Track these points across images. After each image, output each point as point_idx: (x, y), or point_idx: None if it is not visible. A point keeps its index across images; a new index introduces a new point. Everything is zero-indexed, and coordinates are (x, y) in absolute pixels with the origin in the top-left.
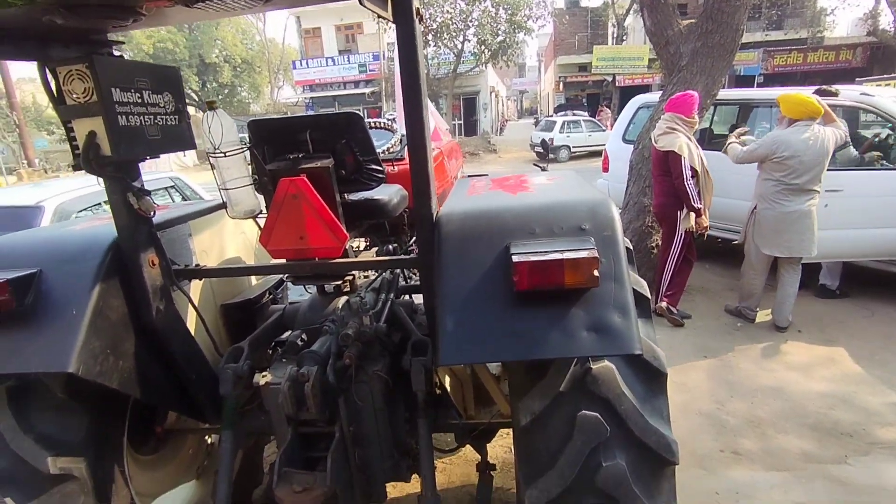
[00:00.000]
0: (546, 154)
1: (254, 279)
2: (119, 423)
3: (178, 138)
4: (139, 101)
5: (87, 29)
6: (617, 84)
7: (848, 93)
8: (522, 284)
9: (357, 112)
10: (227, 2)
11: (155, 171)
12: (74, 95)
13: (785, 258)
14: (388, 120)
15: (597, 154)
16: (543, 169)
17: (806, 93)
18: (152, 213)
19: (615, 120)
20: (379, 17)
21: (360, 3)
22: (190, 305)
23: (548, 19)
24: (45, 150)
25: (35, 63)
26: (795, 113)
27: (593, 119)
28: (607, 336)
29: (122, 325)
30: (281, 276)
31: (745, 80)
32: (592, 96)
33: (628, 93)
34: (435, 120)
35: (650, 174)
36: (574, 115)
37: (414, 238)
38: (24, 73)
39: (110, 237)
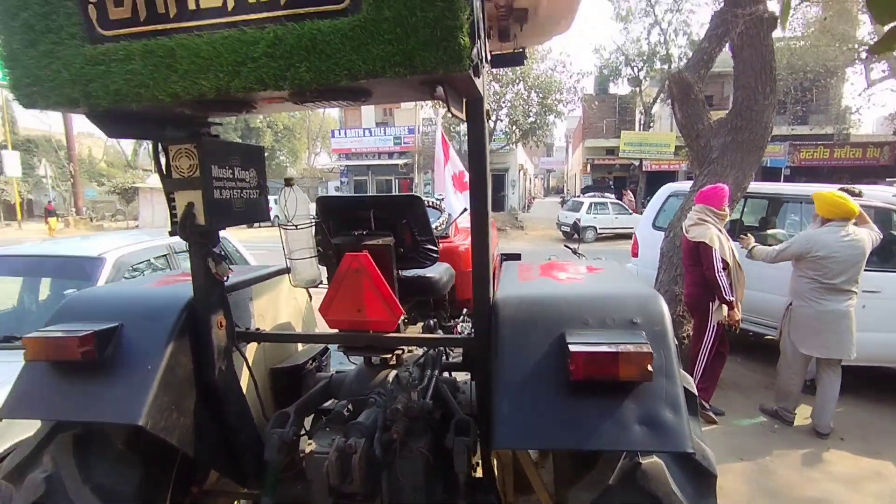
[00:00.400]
0: (576, 235)
1: (300, 345)
2: (165, 480)
3: (258, 210)
4: (231, 176)
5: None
6: (644, 169)
7: (880, 194)
8: (578, 374)
9: (418, 195)
10: (329, 101)
11: None
12: (180, 170)
13: (824, 359)
14: (437, 200)
15: (623, 237)
16: (574, 251)
17: (838, 192)
18: (226, 277)
19: (642, 203)
20: (453, 115)
21: (448, 110)
22: (244, 367)
23: (577, 104)
24: (93, 200)
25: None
26: (830, 213)
27: (620, 202)
28: (659, 432)
29: (188, 382)
30: (327, 344)
31: (771, 173)
32: (619, 179)
33: (654, 178)
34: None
35: (681, 263)
36: (601, 196)
37: (461, 318)
38: (83, 128)
39: (185, 297)
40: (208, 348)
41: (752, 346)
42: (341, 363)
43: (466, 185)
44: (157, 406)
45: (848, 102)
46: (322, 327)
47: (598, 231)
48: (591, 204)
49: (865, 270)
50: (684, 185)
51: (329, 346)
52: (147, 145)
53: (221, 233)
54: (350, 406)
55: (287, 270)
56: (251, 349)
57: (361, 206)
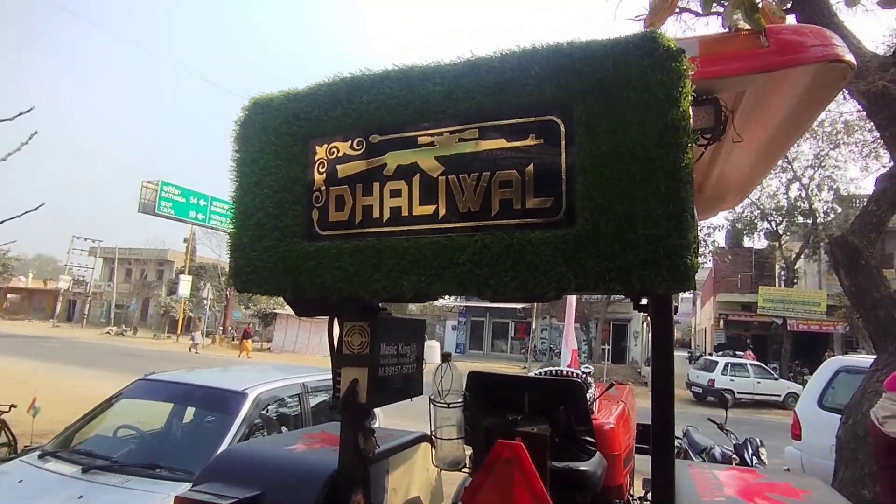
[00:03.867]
0: (725, 405)
1: None
2: None
3: (413, 385)
4: (395, 353)
5: None
6: (788, 328)
7: None
8: None
9: (580, 381)
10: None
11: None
12: (351, 346)
13: None
14: (584, 373)
15: (764, 404)
16: (721, 427)
17: None
18: (372, 453)
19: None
20: (636, 308)
21: (636, 308)
22: None
23: (707, 256)
24: (237, 321)
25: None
26: None
27: (762, 364)
28: None
29: None
30: None
31: None
32: (758, 337)
33: (802, 338)
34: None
35: (868, 459)
36: (737, 356)
37: None
38: None
39: (328, 468)
40: None
41: None
42: None
43: (576, 361)
44: None
45: None
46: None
47: (736, 396)
48: (726, 364)
49: None
50: (858, 360)
51: None
52: None
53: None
54: None
55: (426, 438)
56: None
57: (517, 386)
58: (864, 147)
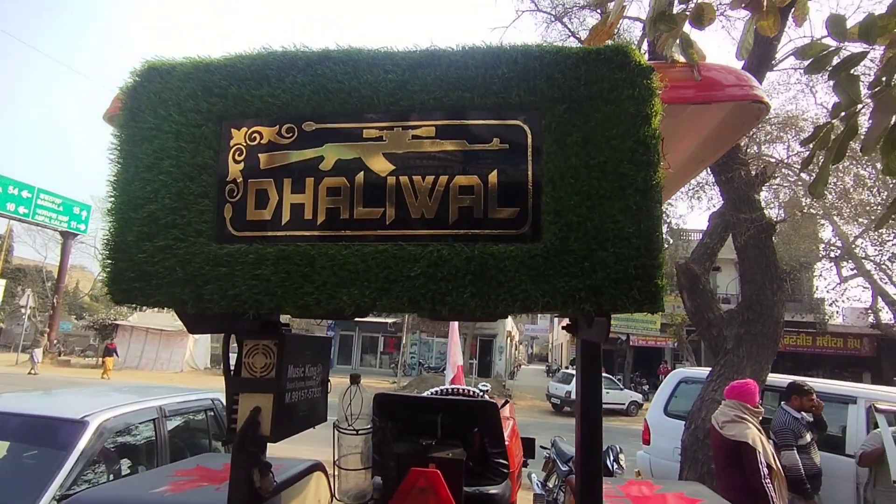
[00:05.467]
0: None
1: None
2: None
3: (318, 411)
4: (301, 375)
5: None
6: (631, 343)
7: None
8: None
9: (493, 402)
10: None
11: (194, 391)
12: (252, 369)
13: None
14: (482, 390)
15: (611, 412)
16: None
17: None
18: (268, 493)
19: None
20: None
21: (566, 328)
22: None
23: None
24: (66, 333)
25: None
26: None
27: (611, 376)
28: None
29: None
30: None
31: None
32: (606, 352)
33: (641, 353)
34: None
35: (708, 459)
36: None
37: None
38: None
39: None
40: None
41: None
42: None
43: (462, 377)
44: None
45: (822, 294)
46: None
47: None
48: None
49: None
50: (696, 372)
51: None
52: None
53: (216, 393)
54: None
55: (319, 466)
56: None
57: (429, 409)
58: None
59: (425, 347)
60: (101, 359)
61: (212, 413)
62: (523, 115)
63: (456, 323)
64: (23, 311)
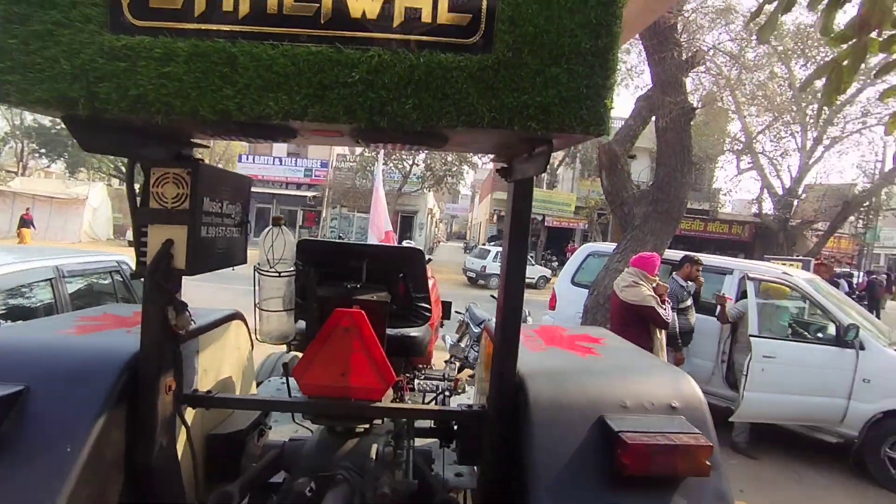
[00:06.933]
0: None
1: None
2: None
3: (237, 251)
4: (219, 211)
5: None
6: (546, 224)
7: (772, 270)
8: (632, 468)
9: (420, 248)
10: (401, 144)
11: (96, 252)
12: (163, 199)
13: None
14: (406, 244)
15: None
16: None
17: None
18: (185, 331)
19: (542, 256)
20: (508, 180)
21: (507, 178)
22: (183, 439)
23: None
24: None
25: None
26: None
27: None
28: None
29: (116, 465)
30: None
31: None
32: None
33: (554, 233)
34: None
35: (606, 319)
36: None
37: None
38: None
39: (126, 353)
40: (150, 419)
41: None
42: (296, 431)
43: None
44: (74, 502)
45: (719, 185)
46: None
47: None
48: (496, 253)
49: (765, 338)
50: (603, 246)
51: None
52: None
53: (121, 255)
54: (313, 484)
55: (238, 315)
56: (187, 414)
57: (354, 254)
58: (619, 76)
59: (345, 222)
60: (18, 230)
61: (118, 276)
62: None
63: (381, 189)
64: None
